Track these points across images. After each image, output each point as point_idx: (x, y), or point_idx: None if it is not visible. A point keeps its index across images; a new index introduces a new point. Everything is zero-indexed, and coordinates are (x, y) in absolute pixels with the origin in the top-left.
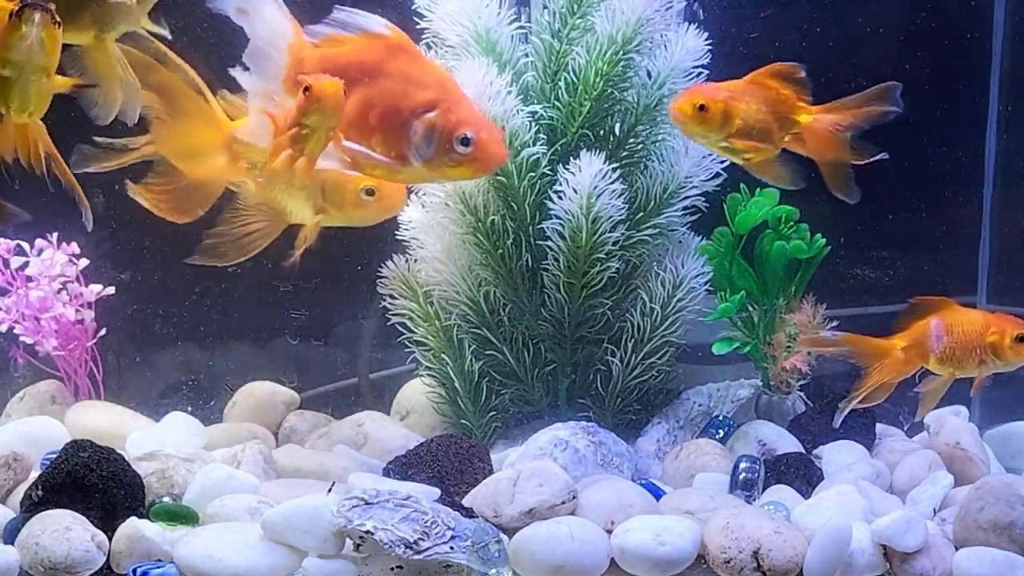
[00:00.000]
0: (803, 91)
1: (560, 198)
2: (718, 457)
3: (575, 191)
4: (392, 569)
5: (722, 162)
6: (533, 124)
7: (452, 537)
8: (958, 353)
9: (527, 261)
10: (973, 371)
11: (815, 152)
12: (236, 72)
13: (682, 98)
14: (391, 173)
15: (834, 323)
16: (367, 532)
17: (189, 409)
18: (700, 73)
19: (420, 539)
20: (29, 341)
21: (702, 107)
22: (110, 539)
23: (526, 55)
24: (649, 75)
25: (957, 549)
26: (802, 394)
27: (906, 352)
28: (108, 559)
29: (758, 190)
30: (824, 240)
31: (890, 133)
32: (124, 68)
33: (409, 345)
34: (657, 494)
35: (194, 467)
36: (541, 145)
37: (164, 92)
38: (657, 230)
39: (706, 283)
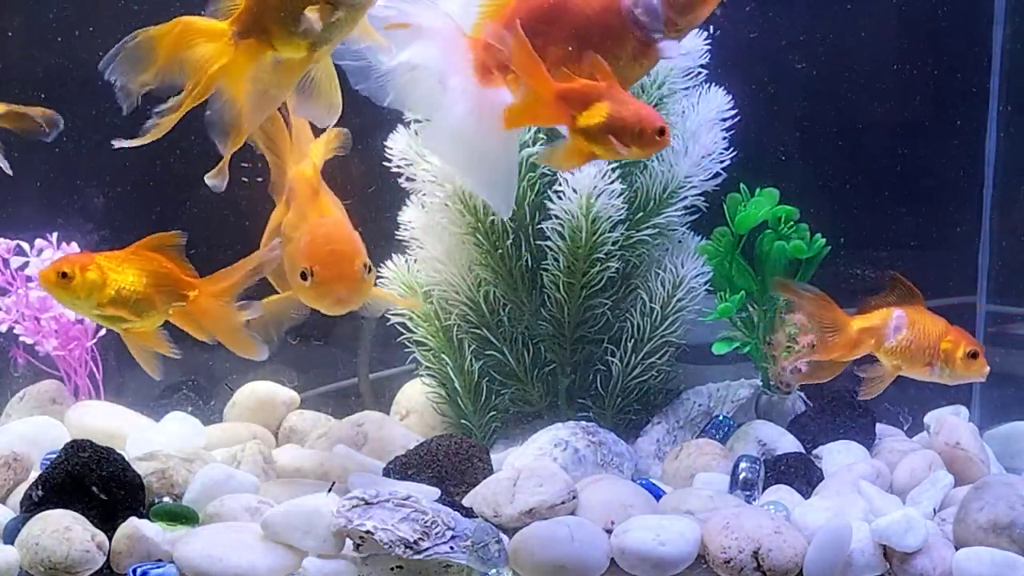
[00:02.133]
0: (182, 259)
1: (560, 198)
2: (718, 457)
3: (575, 191)
4: (392, 569)
5: (722, 162)
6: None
7: (452, 537)
8: (912, 348)
9: (527, 261)
10: (918, 371)
11: (207, 326)
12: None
13: (49, 265)
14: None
15: None
16: (367, 532)
17: (189, 409)
18: (699, 73)
19: (420, 539)
20: (29, 341)
21: (64, 275)
22: (110, 539)
23: None
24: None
25: (957, 549)
26: (802, 394)
27: (861, 333)
28: (108, 559)
29: (758, 190)
30: (824, 240)
31: (891, 133)
32: (333, 85)
33: (409, 345)
34: (657, 494)
35: (194, 467)
36: (541, 145)
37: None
38: (657, 230)
39: (706, 283)
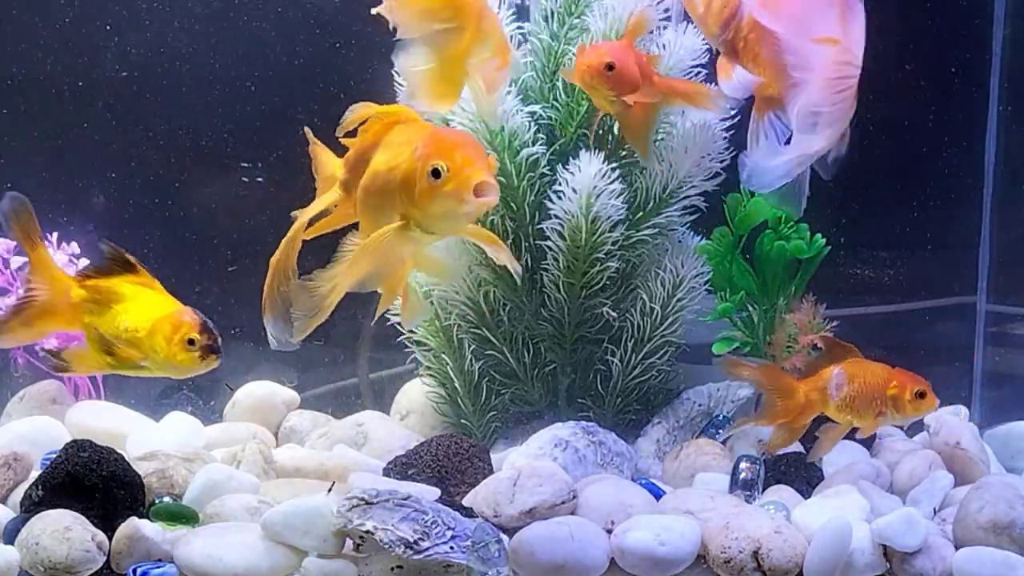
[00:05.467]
0: None
1: (559, 198)
2: (718, 457)
3: (574, 191)
4: (392, 569)
5: (722, 162)
6: (532, 124)
7: (452, 537)
8: (858, 403)
9: (527, 261)
10: (871, 422)
11: None
12: None
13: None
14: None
15: (834, 323)
16: (367, 532)
17: (189, 409)
18: (699, 72)
19: (420, 539)
20: None
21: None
22: (110, 539)
23: (525, 55)
24: None
25: (957, 549)
26: None
27: (808, 396)
28: (108, 559)
29: None
30: (824, 240)
31: (891, 133)
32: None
33: (409, 345)
34: (657, 494)
35: (194, 467)
36: (540, 145)
37: None
38: (657, 230)
39: (706, 283)
